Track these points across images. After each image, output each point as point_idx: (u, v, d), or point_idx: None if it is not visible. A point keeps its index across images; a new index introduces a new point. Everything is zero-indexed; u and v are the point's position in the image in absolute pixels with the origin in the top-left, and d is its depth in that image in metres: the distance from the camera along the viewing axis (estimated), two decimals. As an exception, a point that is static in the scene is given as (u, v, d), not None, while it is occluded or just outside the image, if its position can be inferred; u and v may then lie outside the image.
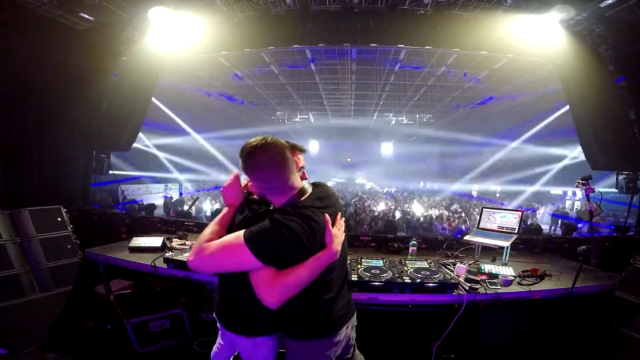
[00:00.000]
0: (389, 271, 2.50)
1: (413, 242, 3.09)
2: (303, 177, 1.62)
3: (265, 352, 1.62)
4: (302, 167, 1.68)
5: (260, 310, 1.37)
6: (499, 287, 2.41)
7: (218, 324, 1.73)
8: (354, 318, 1.59)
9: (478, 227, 3.27)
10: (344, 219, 1.49)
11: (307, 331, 1.42)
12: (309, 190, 1.41)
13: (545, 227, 9.98)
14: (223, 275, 1.52)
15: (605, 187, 5.03)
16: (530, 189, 14.72)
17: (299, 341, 1.44)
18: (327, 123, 18.12)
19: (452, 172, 19.94)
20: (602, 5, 3.69)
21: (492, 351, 2.89)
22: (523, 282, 2.53)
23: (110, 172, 5.41)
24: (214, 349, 2.00)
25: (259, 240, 1.22)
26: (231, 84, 10.94)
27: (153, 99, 6.14)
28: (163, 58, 4.91)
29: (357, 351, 1.73)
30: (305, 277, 1.26)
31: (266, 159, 1.28)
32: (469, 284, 2.38)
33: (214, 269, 1.36)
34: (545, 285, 2.52)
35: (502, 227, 3.13)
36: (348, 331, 1.53)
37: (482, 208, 3.38)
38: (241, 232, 1.25)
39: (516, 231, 3.02)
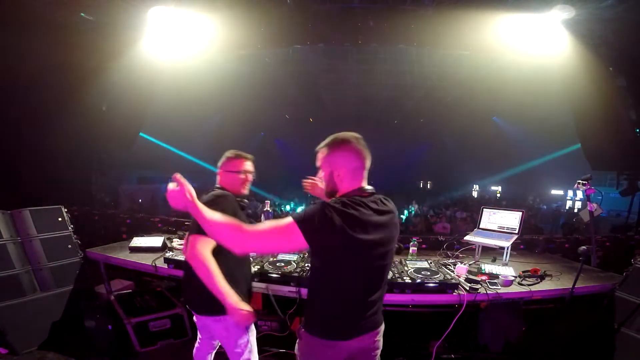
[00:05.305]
0: (389, 271, 2.50)
1: (413, 242, 3.09)
2: (247, 180, 1.97)
3: (236, 332, 1.78)
4: (252, 172, 1.99)
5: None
6: (500, 287, 2.40)
7: (195, 318, 1.88)
8: (367, 336, 1.47)
9: (478, 227, 3.27)
10: None
11: (311, 325, 1.45)
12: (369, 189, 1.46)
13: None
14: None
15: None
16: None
17: (303, 331, 1.47)
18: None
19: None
20: (602, 5, 3.68)
21: (492, 351, 2.89)
22: (523, 282, 2.52)
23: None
24: (195, 346, 2.06)
25: (308, 221, 1.27)
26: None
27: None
28: (163, 58, 4.91)
29: None
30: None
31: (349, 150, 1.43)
32: (469, 284, 2.38)
33: (259, 250, 1.52)
34: (545, 285, 2.51)
35: (503, 227, 3.12)
36: (357, 344, 1.45)
37: (483, 208, 3.37)
38: (289, 217, 1.31)
39: (517, 231, 3.02)
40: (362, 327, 1.45)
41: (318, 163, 1.49)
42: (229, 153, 1.99)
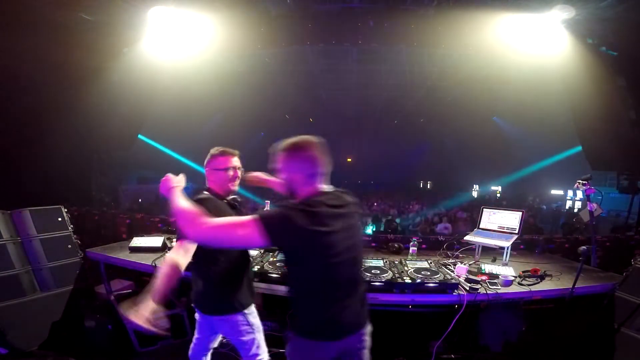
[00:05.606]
0: (390, 271, 2.50)
1: (413, 242, 3.09)
2: (236, 176, 1.92)
3: (242, 330, 1.82)
4: (240, 168, 1.94)
5: (228, 288, 1.76)
6: (500, 287, 2.41)
7: (197, 315, 1.92)
8: (353, 336, 1.52)
9: (478, 227, 3.27)
10: None
11: (297, 328, 1.48)
12: (328, 190, 1.49)
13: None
14: (196, 262, 1.74)
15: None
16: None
17: (291, 333, 1.50)
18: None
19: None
20: (602, 5, 3.68)
21: (492, 351, 2.89)
22: (523, 282, 2.52)
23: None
24: (190, 347, 2.06)
25: (269, 219, 1.31)
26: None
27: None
28: (163, 58, 4.91)
29: None
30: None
31: (305, 155, 1.44)
32: (469, 284, 2.38)
33: (215, 241, 1.41)
34: (545, 285, 2.51)
35: (503, 227, 3.12)
36: (343, 344, 1.50)
37: (483, 208, 3.37)
38: (254, 215, 1.35)
39: (517, 231, 3.02)
40: (347, 328, 1.48)
41: (276, 165, 1.50)
42: (213, 150, 1.92)
